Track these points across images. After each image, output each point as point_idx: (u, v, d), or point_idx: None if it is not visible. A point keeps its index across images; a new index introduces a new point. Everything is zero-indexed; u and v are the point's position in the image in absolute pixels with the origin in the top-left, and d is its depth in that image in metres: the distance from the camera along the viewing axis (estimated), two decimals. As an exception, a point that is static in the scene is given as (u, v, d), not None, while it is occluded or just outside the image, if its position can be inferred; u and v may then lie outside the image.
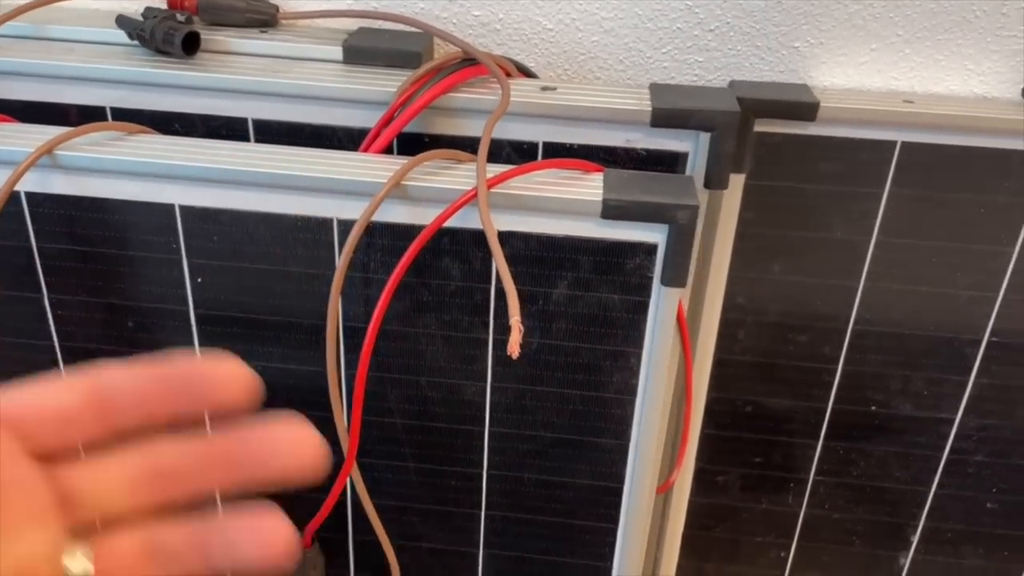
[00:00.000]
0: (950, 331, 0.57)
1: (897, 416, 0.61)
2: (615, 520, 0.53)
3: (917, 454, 0.62)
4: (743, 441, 0.64)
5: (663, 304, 0.45)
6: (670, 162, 0.49)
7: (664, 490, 0.66)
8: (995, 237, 0.54)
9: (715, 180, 0.49)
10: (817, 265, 0.56)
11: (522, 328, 0.36)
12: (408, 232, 0.45)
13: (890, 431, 0.62)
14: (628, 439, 0.50)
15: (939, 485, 0.63)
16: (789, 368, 0.61)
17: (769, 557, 0.69)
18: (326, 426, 0.51)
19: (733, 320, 0.59)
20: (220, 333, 0.49)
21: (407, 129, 0.49)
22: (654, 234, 0.44)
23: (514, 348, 0.36)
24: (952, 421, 0.60)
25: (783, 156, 0.53)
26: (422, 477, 0.53)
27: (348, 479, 0.52)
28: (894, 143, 0.52)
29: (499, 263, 0.39)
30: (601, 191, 0.43)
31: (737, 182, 0.54)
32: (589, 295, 0.46)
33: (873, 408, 0.61)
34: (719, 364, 0.61)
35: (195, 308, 0.49)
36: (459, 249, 0.46)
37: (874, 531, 0.66)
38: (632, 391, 0.49)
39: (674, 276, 0.44)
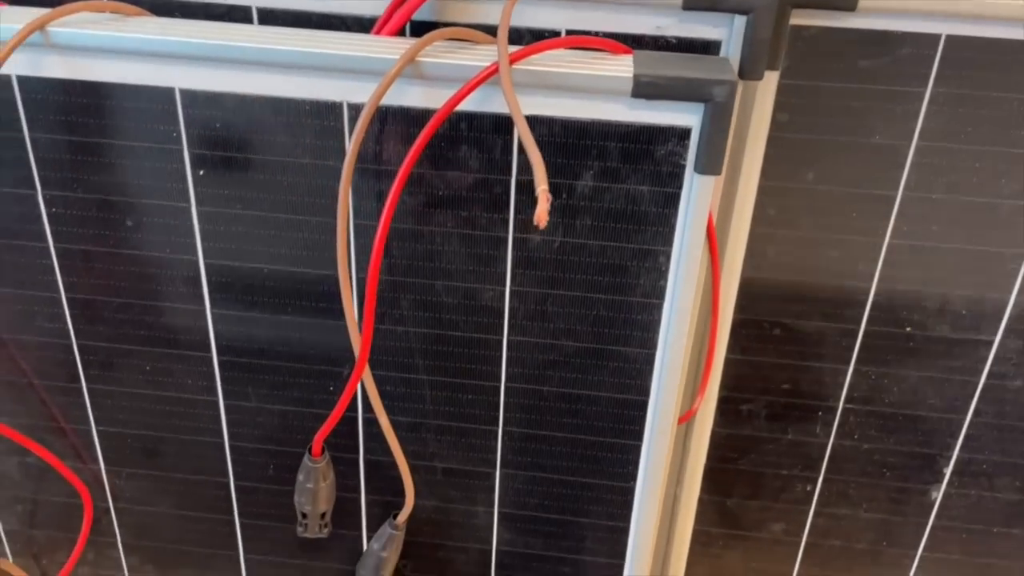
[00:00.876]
0: (992, 244, 0.54)
1: (933, 338, 0.58)
2: (639, 437, 0.51)
3: (954, 379, 0.59)
4: (769, 367, 0.61)
5: (696, 194, 0.42)
6: (702, 51, 0.46)
7: (686, 420, 0.63)
8: (1045, 140, 0.51)
9: (750, 69, 0.46)
10: (853, 173, 0.53)
11: (550, 197, 0.33)
12: (423, 118, 0.42)
13: (925, 354, 0.59)
14: (654, 348, 0.48)
15: (975, 413, 0.61)
16: (820, 287, 0.58)
17: (794, 491, 0.66)
18: (337, 333, 0.49)
19: (762, 235, 0.56)
20: (223, 232, 0.47)
21: (419, 16, 0.46)
22: (688, 116, 0.41)
23: (542, 217, 0.33)
24: (991, 343, 0.58)
25: (820, 51, 0.50)
26: (436, 391, 0.51)
27: (360, 389, 0.50)
28: (938, 37, 0.49)
29: (521, 129, 0.36)
30: (632, 68, 0.40)
31: (771, 80, 0.51)
32: (616, 187, 0.43)
33: (908, 329, 0.58)
34: (746, 283, 0.58)
35: (197, 204, 0.46)
36: (478, 136, 0.43)
37: (905, 463, 0.64)
38: (660, 294, 0.46)
39: (709, 162, 0.41)
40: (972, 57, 0.50)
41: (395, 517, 0.53)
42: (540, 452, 0.52)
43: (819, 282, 0.58)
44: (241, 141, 0.44)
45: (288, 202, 0.46)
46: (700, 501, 0.68)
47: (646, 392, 0.49)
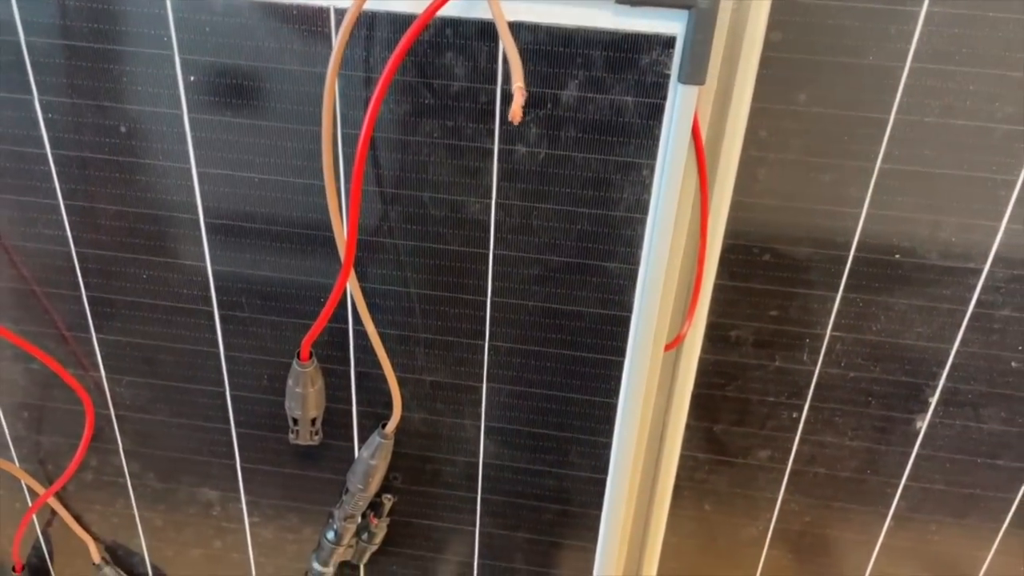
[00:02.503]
0: (984, 170, 0.54)
1: (922, 266, 0.58)
2: (622, 353, 0.52)
3: (941, 308, 0.60)
4: (758, 293, 0.62)
5: (680, 106, 0.43)
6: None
7: (674, 346, 0.64)
8: (1040, 62, 0.50)
9: (740, -17, 0.46)
10: (846, 95, 0.53)
11: (526, 93, 0.34)
12: (410, 23, 0.42)
13: (913, 283, 0.59)
14: (637, 264, 0.48)
15: (962, 342, 0.61)
16: (811, 212, 0.58)
17: (780, 418, 0.67)
18: (325, 245, 0.50)
19: (753, 158, 0.56)
20: (213, 140, 0.47)
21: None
22: (673, 23, 0.41)
23: (516, 113, 0.34)
24: (980, 271, 0.58)
25: (815, -33, 0.49)
26: (424, 304, 0.52)
27: (350, 301, 0.51)
28: (937, -46, 0.48)
29: (501, 29, 0.36)
30: (616, -27, 0.40)
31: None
32: (601, 97, 0.44)
33: (897, 257, 0.58)
34: (736, 207, 0.59)
35: (188, 111, 0.47)
36: (463, 44, 0.43)
37: (891, 392, 0.64)
38: (643, 208, 0.46)
39: (693, 71, 0.41)
40: (971, -25, 0.49)
41: (384, 427, 0.54)
42: (525, 367, 0.53)
43: (809, 207, 0.58)
44: (230, 47, 0.45)
45: (277, 109, 0.46)
46: (688, 427, 0.69)
47: (629, 308, 0.50)
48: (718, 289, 0.63)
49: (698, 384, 0.67)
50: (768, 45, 0.52)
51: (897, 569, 0.73)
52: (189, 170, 0.49)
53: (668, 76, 0.42)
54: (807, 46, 0.52)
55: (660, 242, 0.47)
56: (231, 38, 0.44)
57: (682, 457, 0.71)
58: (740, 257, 0.61)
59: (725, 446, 0.70)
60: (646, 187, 0.45)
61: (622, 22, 0.41)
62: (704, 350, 0.66)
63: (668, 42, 0.41)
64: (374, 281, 0.51)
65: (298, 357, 0.49)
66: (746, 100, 0.54)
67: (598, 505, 0.57)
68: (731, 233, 0.60)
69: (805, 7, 0.51)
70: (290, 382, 0.51)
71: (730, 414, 0.68)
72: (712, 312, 0.64)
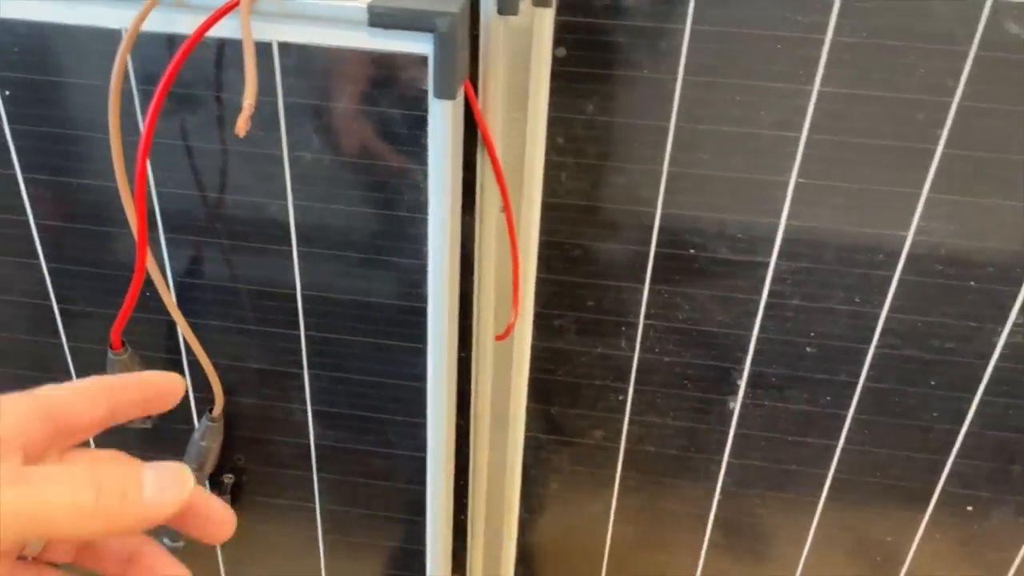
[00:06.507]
0: (758, 172, 0.60)
1: (715, 260, 0.64)
2: (423, 340, 0.57)
3: (737, 298, 0.65)
4: (575, 285, 0.67)
5: (439, 118, 0.47)
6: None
7: (505, 336, 0.69)
8: (793, 75, 0.55)
9: (506, 5, 0.51)
10: (628, 105, 0.58)
11: (252, 110, 0.38)
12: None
13: (709, 275, 0.65)
14: (424, 258, 0.53)
15: (761, 329, 0.66)
16: (611, 211, 0.63)
17: (609, 401, 0.72)
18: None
19: (555, 162, 0.61)
20: (31, 148, 0.52)
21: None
22: (422, 44, 0.46)
23: (241, 127, 0.38)
24: (767, 264, 0.63)
25: (586, -11, 0.54)
26: (242, 298, 0.57)
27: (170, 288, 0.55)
28: (695, -23, 0.54)
29: (247, 47, 0.41)
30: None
31: (546, 17, 0.55)
32: (371, 110, 0.48)
33: (692, 252, 0.64)
34: (547, 207, 0.64)
35: (9, 122, 0.51)
36: (240, 60, 0.48)
37: (703, 375, 0.70)
38: (422, 209, 0.51)
39: (443, 87, 0.46)
40: (731, -3, 0.54)
41: (211, 411, 0.59)
42: (340, 354, 0.58)
43: (609, 207, 0.63)
44: (38, 65, 0.49)
45: (87, 120, 0.51)
46: (528, 409, 0.74)
47: (423, 299, 0.55)
48: (541, 282, 0.68)
49: (533, 369, 0.72)
50: (556, 60, 0.57)
51: (730, 541, 0.79)
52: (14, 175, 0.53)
53: (426, 91, 0.47)
54: (589, 61, 0.57)
55: (440, 239, 0.52)
56: (38, 56, 0.49)
57: (527, 438, 0.77)
58: (556, 252, 0.66)
59: (563, 427, 0.75)
60: (421, 190, 0.50)
61: (378, 43, 0.46)
62: (535, 337, 0.71)
63: (422, 61, 0.46)
64: (196, 276, 0.56)
65: (110, 346, 0.54)
66: (542, 110, 0.59)
67: (422, 481, 0.62)
68: (545, 231, 0.65)
69: (585, 26, 0.56)
70: (108, 372, 0.55)
71: (564, 397, 0.73)
72: (538, 303, 0.69)
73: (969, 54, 0.53)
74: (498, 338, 0.69)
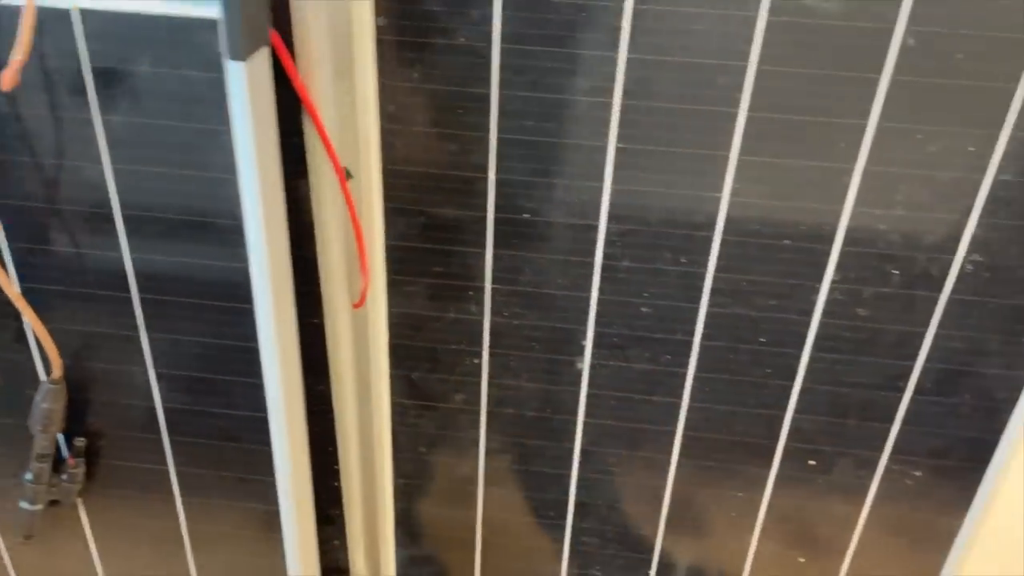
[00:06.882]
0: (579, 138, 0.62)
1: (550, 224, 0.66)
2: (250, 301, 0.59)
3: (573, 261, 0.68)
4: (423, 251, 0.69)
5: (236, 78, 0.49)
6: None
7: (360, 303, 0.71)
8: (600, 42, 0.58)
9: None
10: (450, 73, 0.61)
11: (18, 66, 0.40)
12: (-2, 11, 0.49)
13: (546, 239, 0.67)
14: (240, 219, 0.55)
15: (600, 291, 0.69)
16: (448, 178, 0.65)
17: (466, 364, 0.75)
18: None
19: (389, 130, 0.64)
20: None
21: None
22: (211, 9, 0.48)
23: (7, 81, 0.40)
24: (597, 228, 0.66)
25: (399, -39, 0.57)
26: (72, 263, 0.58)
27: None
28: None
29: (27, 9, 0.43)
30: (157, -33, 0.47)
31: (364, -12, 0.57)
32: (173, 72, 0.50)
33: (527, 216, 0.66)
34: (389, 174, 0.66)
35: None
36: (43, 28, 0.49)
37: (551, 337, 0.72)
38: (231, 170, 0.53)
39: (233, 49, 0.48)
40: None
41: (50, 375, 0.61)
42: (175, 316, 0.60)
43: (447, 173, 0.65)
44: None
45: None
46: (391, 376, 0.77)
47: (244, 260, 0.57)
48: (391, 249, 0.70)
49: (393, 335, 0.75)
50: (379, 29, 0.60)
51: (593, 499, 0.81)
52: None
53: (220, 53, 0.49)
54: (409, 29, 0.59)
55: (253, 200, 0.54)
56: None
57: (394, 404, 0.79)
58: (402, 218, 0.68)
59: (425, 391, 0.78)
60: (228, 151, 0.52)
61: (170, 8, 0.48)
62: (391, 304, 0.73)
63: (213, 24, 0.48)
64: (32, 242, 0.58)
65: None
66: (371, 78, 0.61)
67: (268, 442, 0.64)
68: (389, 197, 0.67)
69: (402, -5, 0.58)
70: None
71: (424, 362, 0.76)
72: (390, 270, 0.71)
73: (760, 19, 0.56)
74: (355, 306, 0.71)
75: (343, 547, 0.88)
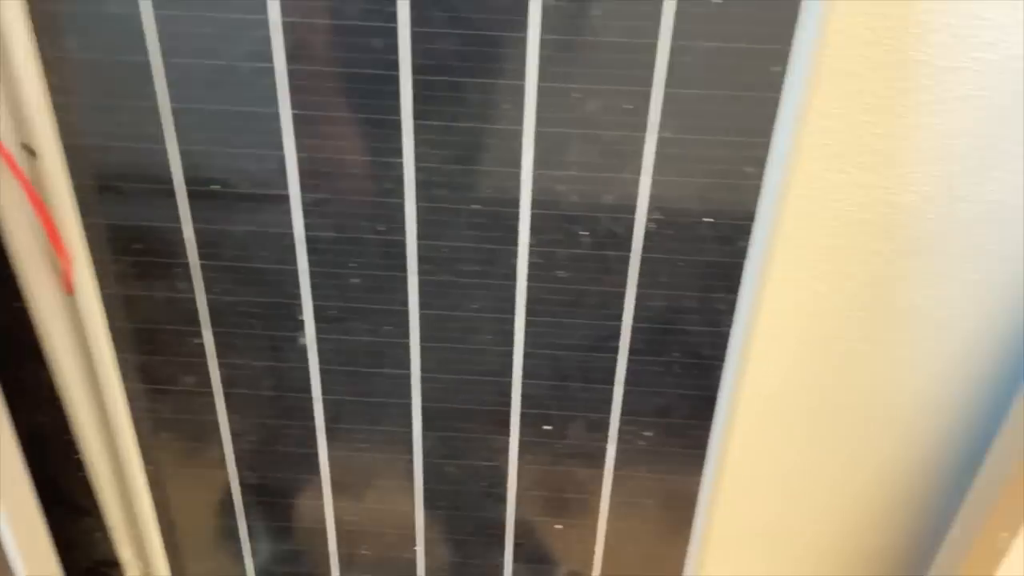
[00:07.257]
0: (250, 105, 0.61)
1: (240, 195, 0.65)
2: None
3: (270, 232, 0.66)
4: (121, 229, 0.67)
5: None
6: None
7: (69, 287, 0.69)
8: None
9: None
10: (108, 41, 0.59)
11: None
12: None
13: (241, 210, 0.66)
14: None
15: (310, 263, 0.68)
16: (129, 151, 0.63)
17: (189, 345, 0.73)
18: None
19: (61, 104, 0.61)
20: None
21: None
22: None
23: None
24: (287, 197, 0.65)
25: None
26: None
27: None
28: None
29: None
30: None
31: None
32: None
33: (217, 187, 0.65)
34: (72, 150, 0.64)
35: None
36: None
37: (269, 313, 0.71)
38: None
39: None
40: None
41: None
42: None
43: (127, 146, 0.63)
44: None
45: None
46: (120, 360, 0.74)
47: None
48: (90, 228, 0.67)
49: (111, 318, 0.72)
50: (25, -3, 0.58)
51: (346, 480, 0.81)
52: None
53: None
54: (55, -4, 0.58)
55: None
56: None
57: (128, 389, 0.77)
58: (93, 196, 0.66)
59: (156, 376, 0.76)
60: None
61: None
62: (102, 287, 0.71)
63: None
64: None
65: None
66: (20, 48, 0.59)
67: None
68: (76, 175, 0.65)
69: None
70: None
71: (146, 345, 0.74)
72: (93, 250, 0.69)
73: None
74: (66, 291, 0.69)
75: (107, 539, 0.85)
